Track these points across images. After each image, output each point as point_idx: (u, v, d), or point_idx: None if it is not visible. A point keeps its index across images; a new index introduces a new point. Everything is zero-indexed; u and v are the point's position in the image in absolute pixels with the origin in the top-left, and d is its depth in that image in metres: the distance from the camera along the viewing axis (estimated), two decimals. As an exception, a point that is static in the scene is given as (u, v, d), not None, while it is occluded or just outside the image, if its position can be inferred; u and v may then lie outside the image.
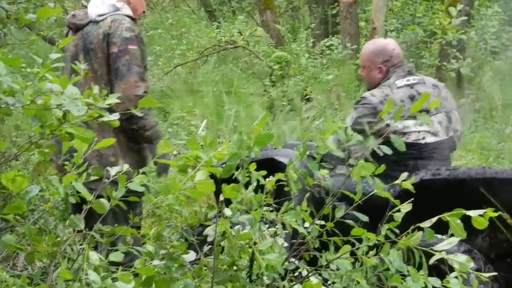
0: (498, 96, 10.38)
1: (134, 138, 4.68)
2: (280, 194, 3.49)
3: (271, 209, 3.29)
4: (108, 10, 4.68)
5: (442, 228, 2.93)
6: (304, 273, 3.31)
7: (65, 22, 4.82)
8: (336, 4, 14.37)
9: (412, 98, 4.70)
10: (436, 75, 11.25)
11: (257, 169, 3.20)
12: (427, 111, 4.62)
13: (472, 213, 2.78)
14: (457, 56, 10.63)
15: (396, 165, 4.22)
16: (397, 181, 3.23)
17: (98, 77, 4.59)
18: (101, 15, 4.65)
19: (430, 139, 4.74)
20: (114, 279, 2.68)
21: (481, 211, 2.77)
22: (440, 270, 3.21)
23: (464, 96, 10.72)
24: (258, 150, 3.10)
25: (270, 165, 4.89)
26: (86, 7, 4.80)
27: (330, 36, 14.40)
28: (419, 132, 4.68)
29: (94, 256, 2.73)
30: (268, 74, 12.75)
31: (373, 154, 3.30)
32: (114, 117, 2.89)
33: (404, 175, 3.28)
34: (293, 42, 14.11)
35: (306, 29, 16.47)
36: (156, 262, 3.06)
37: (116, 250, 2.95)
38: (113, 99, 2.89)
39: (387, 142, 3.27)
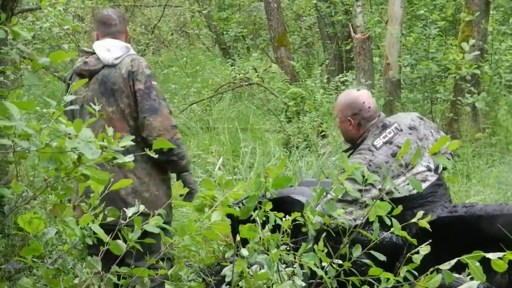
0: (514, 130, 10.33)
1: (170, 169, 4.88)
2: (297, 232, 3.48)
3: (288, 248, 3.29)
4: (123, 52, 4.79)
5: (460, 265, 2.92)
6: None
7: (75, 70, 4.88)
8: (349, 40, 14.42)
9: (394, 155, 4.59)
10: (451, 110, 11.23)
11: (273, 207, 3.20)
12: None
13: (492, 255, 2.75)
14: (472, 91, 10.59)
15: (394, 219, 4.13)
16: (413, 220, 3.23)
17: (126, 115, 4.72)
18: (118, 58, 4.74)
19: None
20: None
21: (500, 254, 2.74)
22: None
23: (480, 130, 10.68)
24: (274, 191, 3.11)
25: (286, 203, 4.90)
26: (87, 52, 4.91)
27: (345, 71, 14.45)
28: (408, 184, 4.55)
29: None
30: (284, 110, 12.77)
31: None
32: (129, 158, 2.90)
33: (420, 214, 3.28)
34: (307, 78, 14.13)
35: (321, 65, 16.51)
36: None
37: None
38: (127, 141, 2.90)
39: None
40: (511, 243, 3.93)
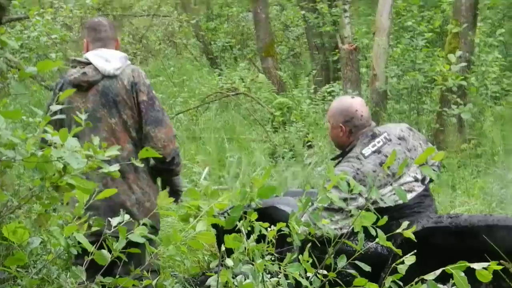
0: (499, 141, 10.37)
1: (167, 175, 4.93)
2: (282, 242, 3.49)
3: (273, 258, 3.28)
4: (122, 63, 4.77)
5: (445, 276, 2.93)
6: (308, 324, 3.29)
7: (72, 81, 4.74)
8: (337, 50, 14.45)
9: (382, 164, 4.61)
10: (437, 121, 11.28)
11: (259, 217, 3.20)
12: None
13: (476, 265, 2.76)
14: (458, 102, 10.64)
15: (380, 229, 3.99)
16: (398, 230, 3.24)
17: (129, 127, 4.71)
18: (118, 69, 4.72)
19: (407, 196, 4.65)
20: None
21: (485, 264, 2.75)
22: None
23: (465, 141, 10.72)
24: (259, 201, 3.11)
25: (272, 213, 4.90)
26: (80, 62, 4.82)
27: (331, 82, 14.46)
28: (394, 194, 4.57)
29: (95, 309, 2.72)
30: (270, 121, 12.78)
31: None
32: (114, 168, 2.90)
33: (405, 224, 3.29)
34: (294, 88, 14.17)
35: (308, 75, 16.54)
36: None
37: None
38: (113, 151, 2.89)
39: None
40: (496, 254, 3.94)
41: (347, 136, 4.84)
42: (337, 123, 4.86)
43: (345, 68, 12.64)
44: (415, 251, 3.12)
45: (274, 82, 14.97)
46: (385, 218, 3.22)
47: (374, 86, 11.93)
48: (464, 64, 10.79)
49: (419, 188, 4.72)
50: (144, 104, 4.66)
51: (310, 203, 3.47)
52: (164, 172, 4.83)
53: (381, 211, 3.44)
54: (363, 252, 3.50)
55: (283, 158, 10.36)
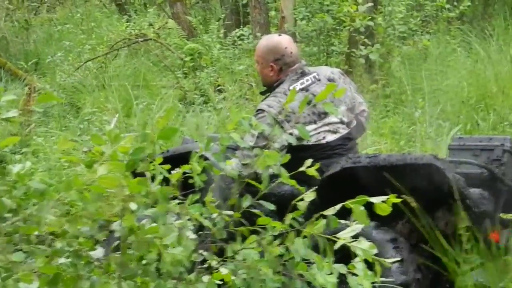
0: (407, 81, 10.51)
1: None
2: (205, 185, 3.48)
3: (178, 202, 3.28)
4: None
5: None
6: (214, 264, 3.31)
7: None
8: (246, -6, 14.39)
9: (309, 102, 4.65)
10: (346, 62, 11.38)
11: (180, 162, 3.20)
12: (325, 113, 4.67)
13: (375, 199, 2.81)
14: (366, 43, 10.74)
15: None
16: (301, 169, 3.27)
17: None
18: None
19: (330, 137, 4.73)
20: (16, 280, 2.63)
21: (384, 197, 2.80)
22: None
23: (374, 82, 10.84)
24: (163, 143, 3.09)
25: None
26: None
27: (241, 26, 14.40)
28: (318, 133, 4.67)
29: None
30: (180, 67, 12.69)
31: None
32: (13, 114, 2.84)
33: (309, 161, 3.32)
34: (204, 34, 14.05)
35: (218, 20, 16.43)
36: (62, 260, 3.01)
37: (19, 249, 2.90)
38: (10, 96, 2.83)
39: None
40: (414, 192, 4.00)
41: (277, 75, 4.88)
42: (267, 62, 4.88)
43: (254, 11, 12.61)
44: (316, 187, 3.15)
45: (184, 27, 14.81)
46: (288, 156, 3.23)
47: (283, 28, 11.91)
48: (371, 4, 10.87)
49: (343, 131, 4.81)
50: None
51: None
52: None
53: (302, 150, 3.46)
54: (278, 195, 3.53)
55: (193, 103, 10.33)
